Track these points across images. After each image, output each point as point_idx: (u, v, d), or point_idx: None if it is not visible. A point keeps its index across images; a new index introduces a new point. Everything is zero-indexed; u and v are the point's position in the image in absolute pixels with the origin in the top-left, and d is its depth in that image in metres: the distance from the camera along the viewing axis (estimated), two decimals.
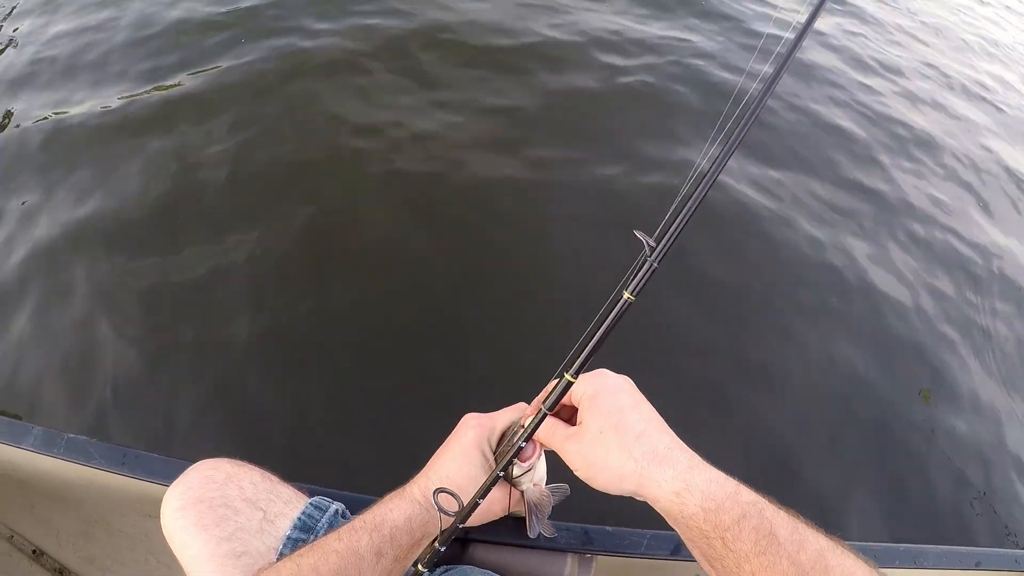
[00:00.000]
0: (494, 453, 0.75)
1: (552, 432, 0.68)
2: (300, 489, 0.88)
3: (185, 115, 2.52)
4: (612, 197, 2.43)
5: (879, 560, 1.00)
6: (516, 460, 0.69)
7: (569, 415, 0.71)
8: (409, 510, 0.71)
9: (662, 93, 2.99)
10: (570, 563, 0.99)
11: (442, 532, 0.68)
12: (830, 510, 1.82)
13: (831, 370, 2.11)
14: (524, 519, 0.77)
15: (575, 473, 0.65)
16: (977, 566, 1.02)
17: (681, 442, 0.62)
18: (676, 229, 0.56)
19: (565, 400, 0.67)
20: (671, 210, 0.58)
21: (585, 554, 0.95)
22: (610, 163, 2.57)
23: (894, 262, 2.55)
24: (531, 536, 0.75)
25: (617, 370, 0.70)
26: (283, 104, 2.62)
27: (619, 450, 0.61)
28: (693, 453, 0.61)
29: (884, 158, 3.06)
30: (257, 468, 0.85)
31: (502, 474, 0.67)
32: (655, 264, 0.57)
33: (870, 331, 2.28)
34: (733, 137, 0.57)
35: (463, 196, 2.36)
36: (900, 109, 3.48)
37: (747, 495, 0.56)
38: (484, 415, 0.78)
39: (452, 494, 0.68)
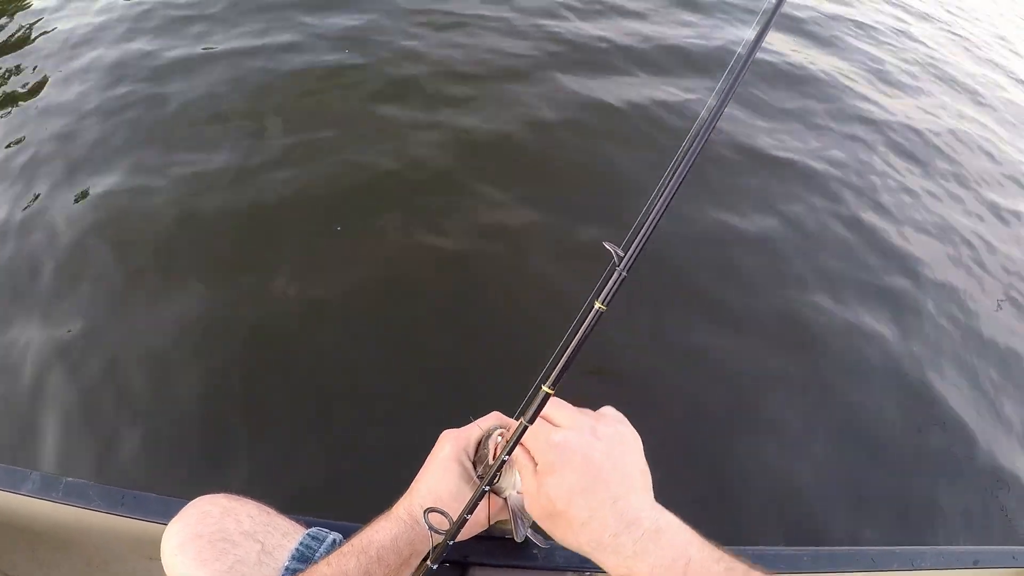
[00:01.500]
0: (472, 463, 0.77)
1: (523, 472, 0.68)
2: (297, 521, 0.89)
3: None
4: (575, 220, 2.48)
5: (875, 563, 1.00)
6: (501, 470, 0.70)
7: None
8: (395, 529, 0.72)
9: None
10: None
11: (434, 549, 0.69)
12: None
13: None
14: (509, 528, 0.78)
15: None
16: (975, 564, 1.02)
17: (637, 518, 0.59)
18: (642, 238, 0.59)
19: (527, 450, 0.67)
20: (637, 220, 0.60)
21: (584, 572, 0.95)
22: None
23: None
24: (518, 540, 0.76)
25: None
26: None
27: (566, 531, 0.62)
28: (650, 527, 0.58)
29: None
30: (253, 501, 0.86)
31: (488, 488, 0.68)
32: (624, 273, 0.59)
33: None
34: (694, 145, 0.60)
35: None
36: None
37: (696, 572, 0.55)
38: (460, 430, 0.80)
39: (442, 512, 0.69)
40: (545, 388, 0.62)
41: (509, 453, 0.65)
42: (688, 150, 0.59)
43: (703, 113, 0.59)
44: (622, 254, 0.59)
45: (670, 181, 0.58)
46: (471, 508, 0.68)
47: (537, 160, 2.81)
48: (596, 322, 0.60)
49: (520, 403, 0.67)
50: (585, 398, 0.73)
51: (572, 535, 0.62)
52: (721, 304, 2.33)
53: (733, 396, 2.10)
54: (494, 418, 0.82)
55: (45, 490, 0.97)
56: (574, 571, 0.98)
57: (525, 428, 0.63)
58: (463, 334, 2.09)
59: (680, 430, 1.97)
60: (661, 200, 0.59)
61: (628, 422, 0.69)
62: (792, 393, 2.14)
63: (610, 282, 0.59)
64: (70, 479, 0.99)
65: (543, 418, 0.67)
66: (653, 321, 2.22)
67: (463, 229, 2.41)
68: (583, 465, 0.62)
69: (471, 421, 0.82)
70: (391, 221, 2.40)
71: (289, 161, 2.60)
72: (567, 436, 0.64)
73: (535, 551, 0.97)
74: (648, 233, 0.59)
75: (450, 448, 0.77)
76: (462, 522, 0.68)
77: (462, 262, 2.30)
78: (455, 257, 2.31)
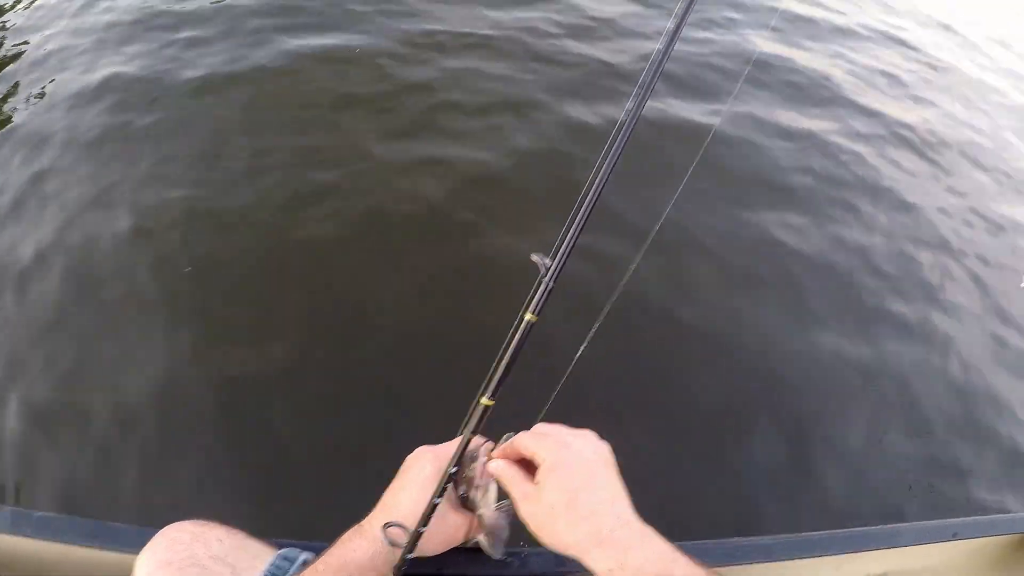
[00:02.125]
0: (453, 483, 0.77)
1: (511, 482, 0.70)
2: (268, 543, 0.89)
3: None
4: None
5: (855, 544, 1.00)
6: (478, 488, 0.73)
7: (529, 466, 0.71)
8: (372, 548, 0.71)
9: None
10: None
11: (396, 567, 0.69)
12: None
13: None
14: (485, 544, 0.78)
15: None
16: (954, 536, 1.01)
17: (628, 516, 0.65)
18: (567, 248, 0.59)
19: (527, 455, 0.69)
20: (561, 232, 0.60)
21: None
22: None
23: None
24: (495, 557, 0.77)
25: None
26: None
27: (566, 526, 0.64)
28: (639, 530, 0.64)
29: None
30: (222, 526, 0.86)
31: (439, 501, 0.68)
32: (551, 283, 0.59)
33: None
34: (614, 148, 0.59)
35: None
36: None
37: (682, 570, 0.59)
38: (438, 447, 0.79)
39: (402, 527, 0.70)
40: (484, 400, 0.62)
41: (456, 466, 0.65)
42: (607, 155, 0.58)
43: (621, 116, 0.59)
44: (548, 263, 0.59)
45: (591, 190, 0.58)
46: (425, 521, 0.68)
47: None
48: (528, 332, 0.60)
49: (463, 418, 0.67)
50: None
51: (570, 529, 0.64)
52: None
53: None
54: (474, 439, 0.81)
55: (17, 526, 0.97)
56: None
57: (468, 440, 0.63)
58: (408, 357, 2.09)
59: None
60: (583, 210, 0.58)
61: None
62: None
63: (538, 293, 0.59)
64: (40, 513, 0.98)
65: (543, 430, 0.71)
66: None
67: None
68: (588, 467, 0.67)
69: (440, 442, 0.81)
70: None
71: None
72: (576, 440, 0.69)
73: (509, 559, 0.97)
74: (571, 243, 0.58)
75: (431, 469, 0.75)
76: (417, 535, 0.68)
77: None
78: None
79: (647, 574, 0.59)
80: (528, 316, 0.60)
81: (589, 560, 0.63)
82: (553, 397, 0.76)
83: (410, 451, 0.82)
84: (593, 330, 0.71)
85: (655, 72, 0.59)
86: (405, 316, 2.18)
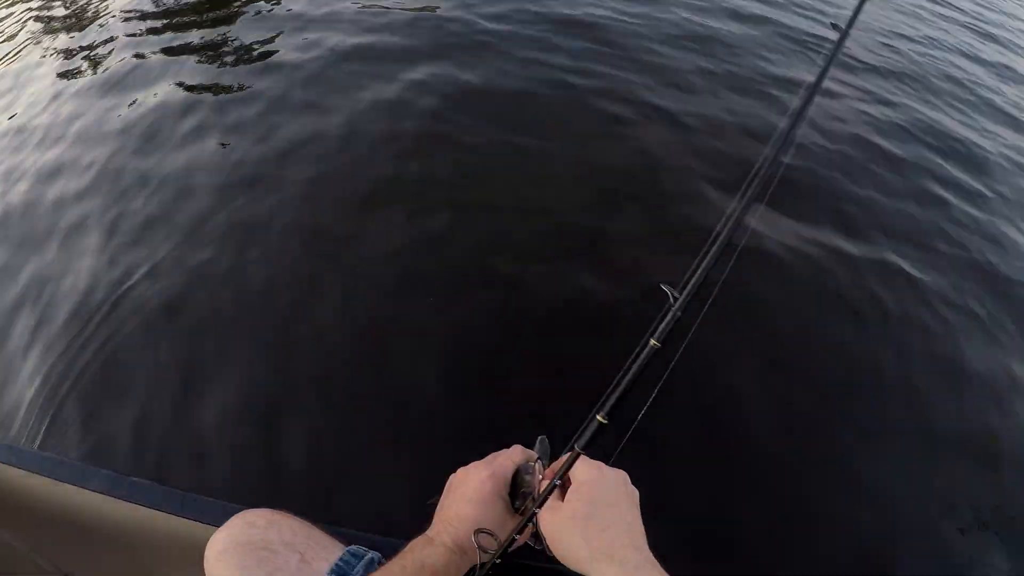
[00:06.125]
0: (510, 495, 0.80)
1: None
2: (337, 537, 0.93)
3: None
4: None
5: None
6: (532, 498, 0.76)
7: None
8: (447, 556, 0.74)
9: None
10: None
11: (481, 567, 0.72)
12: None
13: None
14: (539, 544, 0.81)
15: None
16: None
17: (641, 544, 0.67)
18: (697, 280, 0.62)
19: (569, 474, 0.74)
20: (693, 265, 0.64)
21: None
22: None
23: None
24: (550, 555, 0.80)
25: None
26: None
27: (582, 539, 0.67)
28: (647, 556, 0.66)
29: None
30: (297, 517, 0.91)
31: (537, 511, 0.71)
32: (679, 313, 0.62)
33: None
34: (750, 192, 0.64)
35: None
36: None
37: None
38: (493, 463, 0.83)
39: (490, 533, 0.74)
40: (599, 418, 0.65)
41: (561, 478, 0.68)
42: (752, 182, 0.62)
43: (770, 146, 0.63)
44: (678, 295, 0.62)
45: (727, 222, 0.62)
46: (520, 529, 0.72)
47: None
48: (650, 358, 0.63)
49: (568, 431, 0.70)
50: None
51: (585, 541, 0.67)
52: None
53: None
54: (519, 452, 0.85)
55: (112, 487, 1.03)
56: None
57: (578, 455, 0.66)
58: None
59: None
60: (718, 244, 0.62)
61: None
62: None
63: (664, 321, 0.63)
64: (135, 479, 1.04)
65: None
66: None
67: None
68: (614, 492, 0.71)
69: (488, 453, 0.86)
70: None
71: None
72: (611, 471, 0.73)
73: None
74: (702, 276, 0.62)
75: (491, 486, 0.79)
76: (511, 542, 0.71)
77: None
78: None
79: None
80: (652, 342, 0.63)
81: (596, 574, 0.65)
82: (620, 446, 0.79)
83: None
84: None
85: (815, 86, 0.63)
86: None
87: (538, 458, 0.83)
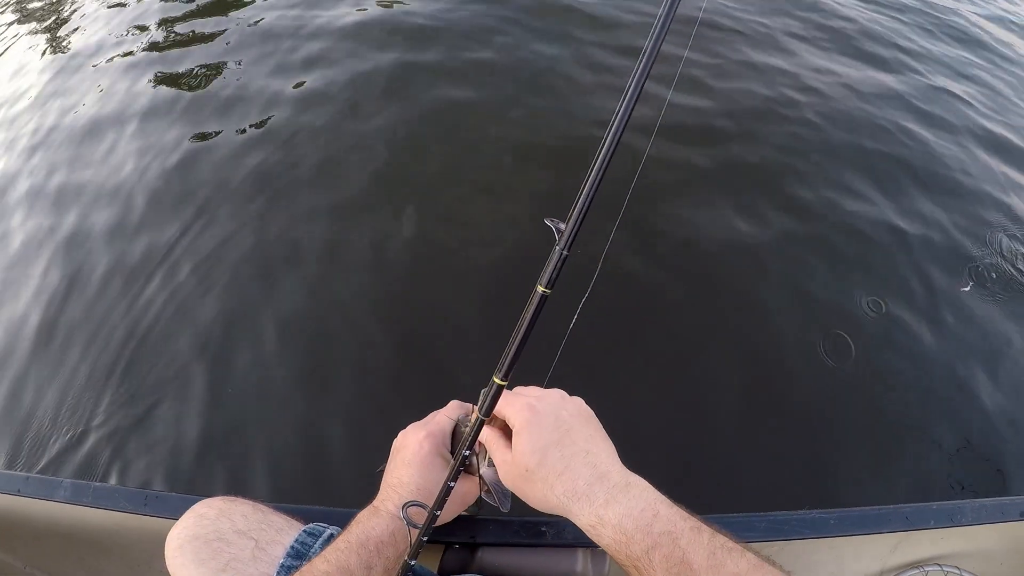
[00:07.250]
0: (452, 453, 0.79)
1: (494, 451, 0.71)
2: (295, 516, 0.91)
3: None
4: None
5: (910, 522, 0.94)
6: (474, 452, 0.73)
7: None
8: (392, 526, 0.74)
9: None
10: (581, 558, 0.97)
11: (414, 547, 0.70)
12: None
13: None
14: (492, 501, 0.78)
15: None
16: (1022, 516, 0.94)
17: (607, 469, 0.63)
18: (581, 211, 0.54)
19: (504, 418, 0.70)
20: (578, 193, 0.56)
21: (596, 547, 0.94)
22: None
23: None
24: (504, 510, 0.77)
25: None
26: None
27: (543, 487, 0.64)
28: (617, 480, 0.62)
29: None
30: (248, 501, 0.89)
31: (452, 484, 0.67)
32: (565, 252, 0.55)
33: None
34: (629, 96, 0.54)
35: None
36: None
37: (662, 525, 0.57)
38: (429, 423, 0.82)
39: (422, 506, 0.72)
40: (497, 380, 0.59)
41: (469, 448, 0.64)
42: (618, 113, 0.53)
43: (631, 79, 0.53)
44: (563, 227, 0.55)
45: (603, 149, 0.53)
46: (440, 504, 0.69)
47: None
48: (542, 307, 0.57)
49: (476, 395, 0.66)
50: None
51: (548, 488, 0.63)
52: None
53: None
54: (456, 406, 0.84)
55: (77, 496, 1.03)
56: (584, 547, 0.97)
57: (481, 422, 0.62)
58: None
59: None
60: (598, 166, 0.53)
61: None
62: None
63: (552, 263, 0.55)
64: (98, 484, 1.04)
65: (516, 392, 0.73)
66: None
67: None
68: (555, 423, 0.67)
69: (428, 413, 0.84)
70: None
71: None
72: (539, 400, 0.69)
73: (543, 528, 0.96)
74: (587, 206, 0.54)
75: (430, 445, 0.79)
76: (433, 517, 0.68)
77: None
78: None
79: (627, 529, 0.58)
80: (540, 288, 0.56)
81: (571, 516, 0.63)
82: (552, 368, 0.74)
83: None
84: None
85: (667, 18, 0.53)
86: None
87: (474, 408, 0.80)
